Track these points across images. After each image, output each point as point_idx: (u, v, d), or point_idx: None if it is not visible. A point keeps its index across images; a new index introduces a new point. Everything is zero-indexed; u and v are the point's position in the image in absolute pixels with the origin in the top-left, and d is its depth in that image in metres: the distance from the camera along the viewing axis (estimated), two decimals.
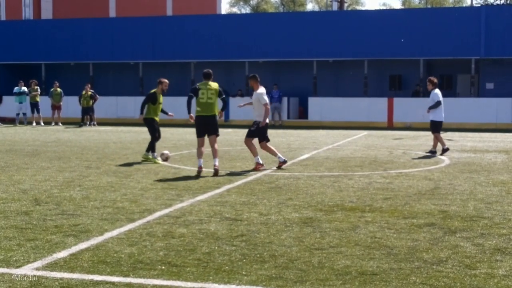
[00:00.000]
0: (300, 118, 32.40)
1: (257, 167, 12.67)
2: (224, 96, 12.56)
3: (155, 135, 14.67)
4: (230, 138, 21.42)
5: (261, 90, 12.98)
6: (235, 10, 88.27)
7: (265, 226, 7.37)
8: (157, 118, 14.90)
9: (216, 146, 12.26)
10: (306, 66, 32.68)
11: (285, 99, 31.63)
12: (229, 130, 26.53)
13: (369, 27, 31.18)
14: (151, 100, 14.66)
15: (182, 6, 50.11)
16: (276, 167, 12.85)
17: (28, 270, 5.57)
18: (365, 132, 25.12)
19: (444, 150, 15.93)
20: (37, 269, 5.60)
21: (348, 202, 9.02)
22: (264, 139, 13.06)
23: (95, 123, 29.65)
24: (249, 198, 9.30)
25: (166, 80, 15.05)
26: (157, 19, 36.08)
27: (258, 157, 12.86)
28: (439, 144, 16.16)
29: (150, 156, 14.41)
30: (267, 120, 13.07)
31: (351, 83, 32.98)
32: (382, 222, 7.59)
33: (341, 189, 10.19)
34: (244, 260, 5.89)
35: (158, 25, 34.48)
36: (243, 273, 5.50)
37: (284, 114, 31.61)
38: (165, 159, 14.19)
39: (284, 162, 12.93)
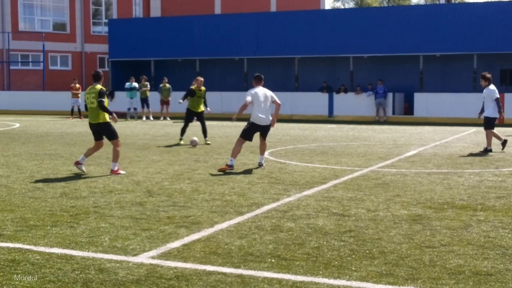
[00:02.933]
0: (406, 114, 31.78)
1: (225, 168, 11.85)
2: (100, 99, 11.20)
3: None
4: (335, 134, 21.33)
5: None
6: (338, 5, 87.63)
7: (373, 222, 7.32)
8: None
9: (117, 148, 11.41)
10: (412, 61, 31.99)
11: (390, 95, 31.10)
12: (333, 125, 26.43)
13: (478, 20, 30.12)
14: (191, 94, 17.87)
15: (286, 2, 50.27)
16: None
17: (144, 258, 5.80)
18: (474, 129, 24.31)
19: (487, 150, 15.37)
20: (153, 257, 5.83)
21: (458, 200, 8.79)
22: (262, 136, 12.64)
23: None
24: (356, 194, 9.25)
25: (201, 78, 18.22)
26: (261, 15, 36.43)
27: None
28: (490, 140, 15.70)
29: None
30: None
31: (459, 78, 31.99)
32: (496, 221, 7.35)
33: (451, 187, 9.93)
34: (353, 256, 5.88)
35: (262, 21, 34.79)
36: (353, 268, 5.49)
37: (389, 110, 31.09)
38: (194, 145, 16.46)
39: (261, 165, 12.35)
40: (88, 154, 11.75)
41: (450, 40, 30.52)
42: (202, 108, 18.06)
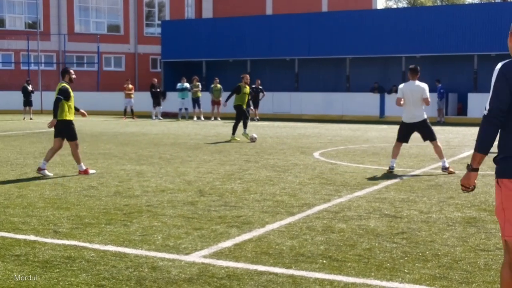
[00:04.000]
0: (459, 115, 31.24)
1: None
2: (58, 96, 11.15)
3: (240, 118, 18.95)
4: (386, 135, 21.12)
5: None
6: (391, 4, 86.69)
7: (426, 224, 7.22)
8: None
9: (75, 152, 11.38)
10: (466, 60, 31.44)
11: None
12: (385, 126, 26.18)
13: None
14: (237, 91, 19.03)
15: (338, 2, 50.03)
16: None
17: (196, 257, 5.85)
18: None
19: None
20: (204, 256, 5.88)
21: None
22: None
23: (258, 118, 30.41)
24: (408, 195, 9.14)
25: (247, 75, 19.77)
26: (312, 16, 36.35)
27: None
28: None
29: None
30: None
31: None
32: None
33: None
34: (406, 258, 5.81)
35: (314, 22, 34.71)
36: (405, 271, 5.43)
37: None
38: (253, 140, 17.96)
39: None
40: (48, 157, 11.31)
41: (506, 39, 29.83)
42: (246, 105, 19.37)
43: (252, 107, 19.98)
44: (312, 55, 34.46)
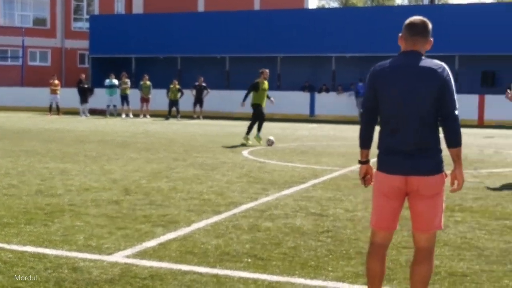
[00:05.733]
0: None
1: None
2: None
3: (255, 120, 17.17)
4: (316, 133, 21.34)
5: None
6: (323, 3, 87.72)
7: (351, 222, 7.29)
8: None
9: None
10: None
11: None
12: (315, 125, 26.44)
13: (463, 21, 30.28)
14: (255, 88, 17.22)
15: (270, 1, 50.23)
16: None
17: (119, 257, 5.72)
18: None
19: None
20: (128, 256, 5.74)
21: None
22: None
23: (180, 116, 30.19)
24: (334, 194, 9.23)
25: (267, 70, 17.82)
26: (244, 14, 36.41)
27: None
28: None
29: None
30: None
31: None
32: (473, 223, 7.36)
33: None
34: (330, 256, 5.84)
35: (246, 20, 34.76)
36: (329, 269, 5.45)
37: None
38: (270, 144, 16.42)
39: None
40: None
41: (440, 41, 30.63)
42: (264, 103, 17.46)
43: (272, 98, 17.95)
44: (243, 53, 34.49)
